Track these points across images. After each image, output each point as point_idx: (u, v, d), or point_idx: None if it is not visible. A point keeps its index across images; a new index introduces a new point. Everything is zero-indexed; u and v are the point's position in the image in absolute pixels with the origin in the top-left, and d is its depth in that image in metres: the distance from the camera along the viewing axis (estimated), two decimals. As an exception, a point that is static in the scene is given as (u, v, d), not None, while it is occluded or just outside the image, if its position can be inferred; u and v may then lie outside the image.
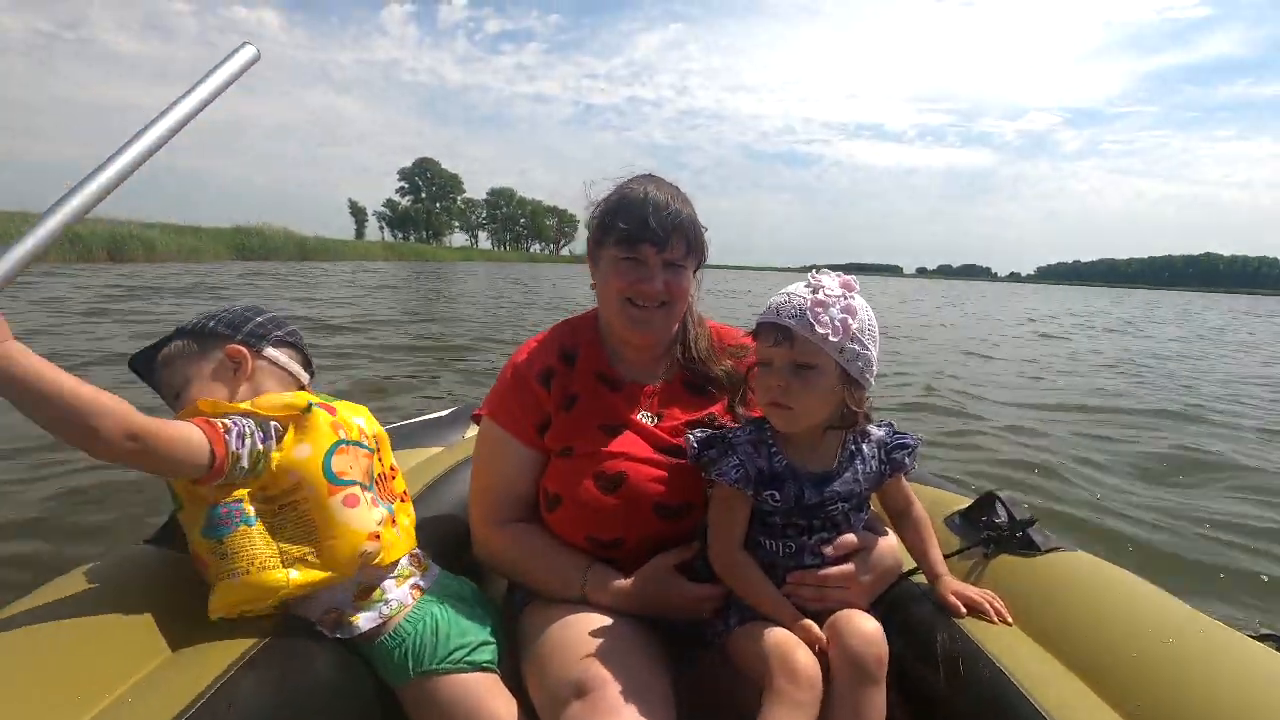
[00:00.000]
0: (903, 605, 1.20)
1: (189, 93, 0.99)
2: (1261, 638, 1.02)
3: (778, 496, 1.10)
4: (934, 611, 1.15)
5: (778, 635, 1.01)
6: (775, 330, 1.06)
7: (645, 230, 1.22)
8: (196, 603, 1.01)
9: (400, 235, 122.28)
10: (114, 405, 0.88)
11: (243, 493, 1.03)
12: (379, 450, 1.23)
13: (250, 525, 1.02)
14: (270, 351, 1.20)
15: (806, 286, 1.07)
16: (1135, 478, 4.31)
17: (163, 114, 0.97)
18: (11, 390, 0.82)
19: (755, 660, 1.01)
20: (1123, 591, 1.14)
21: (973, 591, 1.15)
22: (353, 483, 1.10)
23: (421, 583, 1.20)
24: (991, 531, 1.32)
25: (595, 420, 1.27)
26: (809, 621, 1.04)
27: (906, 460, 1.17)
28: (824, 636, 1.02)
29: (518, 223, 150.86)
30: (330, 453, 1.08)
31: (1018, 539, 1.29)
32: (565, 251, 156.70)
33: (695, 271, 1.31)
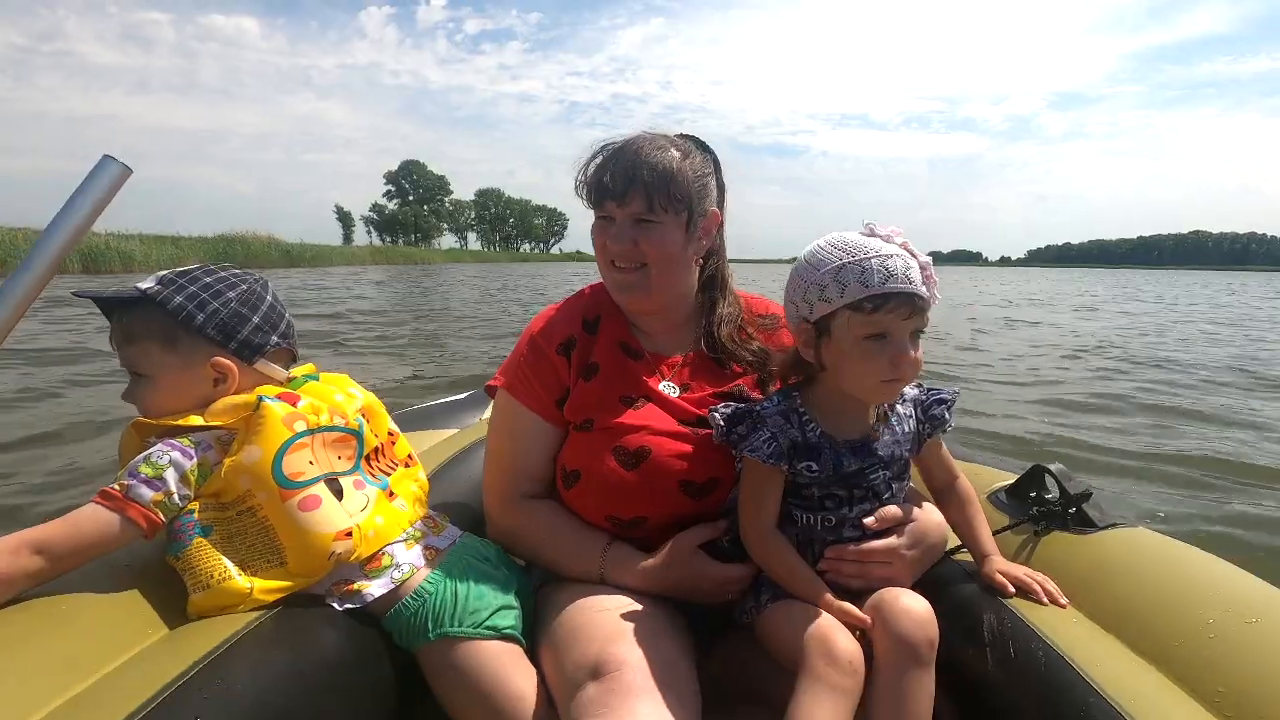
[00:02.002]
0: (946, 585, 1.11)
1: (55, 226, 0.91)
2: None
3: (815, 467, 1.02)
4: (980, 592, 1.06)
5: (814, 616, 0.94)
6: (914, 303, 0.96)
7: (602, 186, 1.17)
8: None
9: (388, 239, 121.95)
10: (9, 551, 0.87)
11: (194, 505, 0.98)
12: (370, 420, 1.16)
13: (205, 537, 0.97)
14: (260, 364, 1.08)
15: (890, 240, 0.98)
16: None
17: (32, 256, 0.91)
18: None
19: (789, 641, 0.93)
20: (1194, 569, 1.02)
21: (1020, 571, 1.05)
22: (310, 482, 1.01)
23: (437, 543, 1.15)
24: (1041, 507, 1.19)
25: (617, 391, 1.20)
26: (849, 605, 0.95)
27: (946, 414, 1.09)
28: (868, 619, 0.93)
29: (507, 222, 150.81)
30: (281, 453, 0.99)
31: (1071, 515, 1.16)
32: (556, 250, 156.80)
33: (690, 227, 1.19)
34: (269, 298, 1.11)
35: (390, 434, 1.22)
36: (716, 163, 1.27)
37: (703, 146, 1.26)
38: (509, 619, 1.11)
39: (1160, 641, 0.91)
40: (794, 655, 0.91)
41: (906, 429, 1.08)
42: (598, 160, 1.20)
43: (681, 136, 1.25)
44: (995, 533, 1.15)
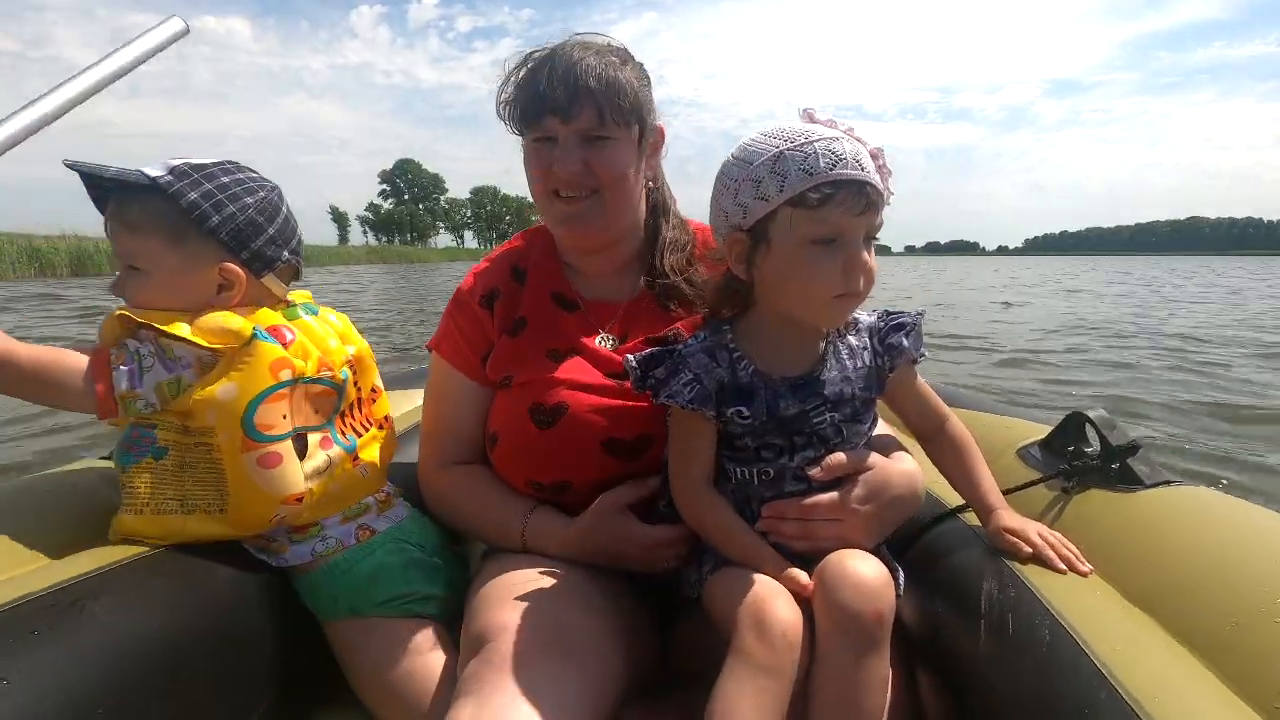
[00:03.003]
0: (944, 552, 0.96)
1: (115, 53, 1.07)
2: None
3: (746, 412, 0.87)
4: (984, 556, 0.90)
5: (750, 581, 0.81)
6: (866, 193, 0.80)
7: (540, 98, 1.01)
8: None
9: (384, 239, 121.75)
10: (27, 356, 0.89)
11: (159, 418, 0.93)
12: (356, 373, 1.09)
13: (158, 459, 0.93)
14: (268, 278, 1.01)
15: (831, 125, 0.83)
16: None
17: (88, 69, 1.03)
18: None
19: (725, 615, 0.81)
20: (1258, 535, 0.83)
21: (1033, 529, 0.89)
22: (279, 438, 0.95)
23: (374, 524, 1.08)
24: (1078, 461, 1.01)
25: (543, 346, 1.10)
26: (794, 570, 0.82)
27: (905, 341, 0.91)
28: (811, 584, 0.80)
29: (503, 220, 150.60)
30: (258, 400, 0.93)
31: (1114, 471, 0.98)
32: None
33: (642, 144, 1.07)
34: (284, 209, 1.04)
35: (374, 390, 1.15)
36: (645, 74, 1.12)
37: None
38: (430, 607, 1.06)
39: (1207, 624, 0.73)
40: (728, 629, 0.79)
41: (860, 363, 0.91)
42: (528, 69, 1.03)
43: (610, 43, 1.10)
44: (1014, 490, 1.00)
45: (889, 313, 0.94)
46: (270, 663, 0.96)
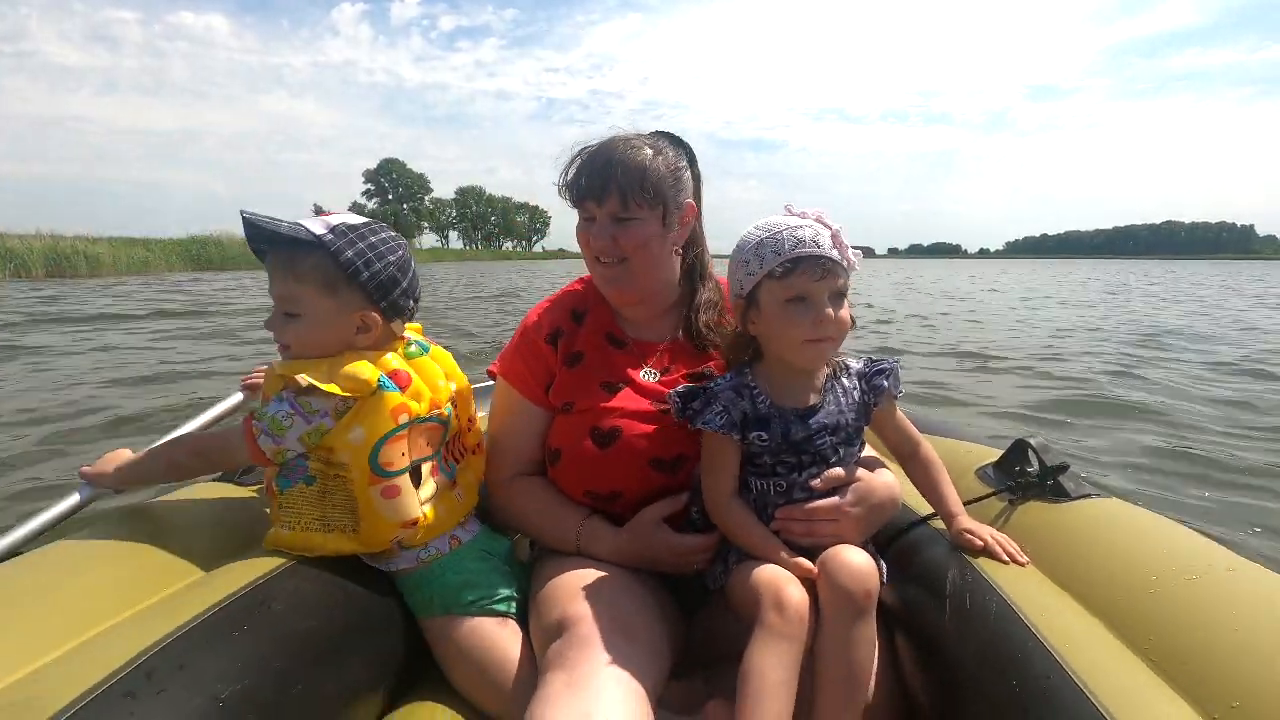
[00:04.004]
0: (917, 549, 1.19)
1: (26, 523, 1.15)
2: None
3: (765, 436, 1.11)
4: (947, 552, 1.14)
5: (769, 571, 1.03)
6: (821, 264, 1.06)
7: (579, 187, 1.26)
8: (259, 529, 1.17)
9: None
10: (187, 448, 1.21)
11: (312, 451, 1.10)
12: (458, 406, 1.26)
13: (309, 485, 1.11)
14: (396, 324, 1.19)
15: (806, 218, 1.10)
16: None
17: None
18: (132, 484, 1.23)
19: (749, 599, 1.02)
20: (1150, 533, 1.10)
21: (986, 531, 1.13)
22: (399, 472, 1.12)
23: (461, 535, 1.25)
24: (1022, 479, 1.27)
25: (598, 378, 1.30)
26: (801, 560, 1.04)
27: (886, 383, 1.16)
28: (815, 569, 1.02)
29: (488, 221, 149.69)
30: (382, 441, 1.09)
31: (1048, 486, 1.24)
32: (539, 247, 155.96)
33: (667, 220, 1.28)
34: (413, 265, 1.20)
35: (470, 419, 1.32)
36: (691, 156, 1.34)
37: (676, 141, 1.33)
38: (507, 605, 1.22)
39: (1105, 597, 0.98)
40: (752, 609, 1.00)
41: (853, 399, 1.16)
42: (576, 164, 1.28)
43: (655, 134, 1.33)
44: (969, 503, 1.23)
45: (873, 360, 1.20)
46: (388, 649, 1.15)
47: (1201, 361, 7.17)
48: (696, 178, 1.35)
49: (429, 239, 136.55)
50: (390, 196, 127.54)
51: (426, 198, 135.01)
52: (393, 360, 1.14)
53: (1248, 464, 3.64)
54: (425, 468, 1.18)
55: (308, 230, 1.09)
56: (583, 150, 1.29)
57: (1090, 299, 17.95)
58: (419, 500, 1.15)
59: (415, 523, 1.14)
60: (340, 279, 1.10)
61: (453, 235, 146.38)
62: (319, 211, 1.20)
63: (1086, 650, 0.87)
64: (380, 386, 1.09)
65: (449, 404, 1.23)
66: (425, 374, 1.19)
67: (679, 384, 1.25)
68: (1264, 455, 3.81)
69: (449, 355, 1.30)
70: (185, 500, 1.28)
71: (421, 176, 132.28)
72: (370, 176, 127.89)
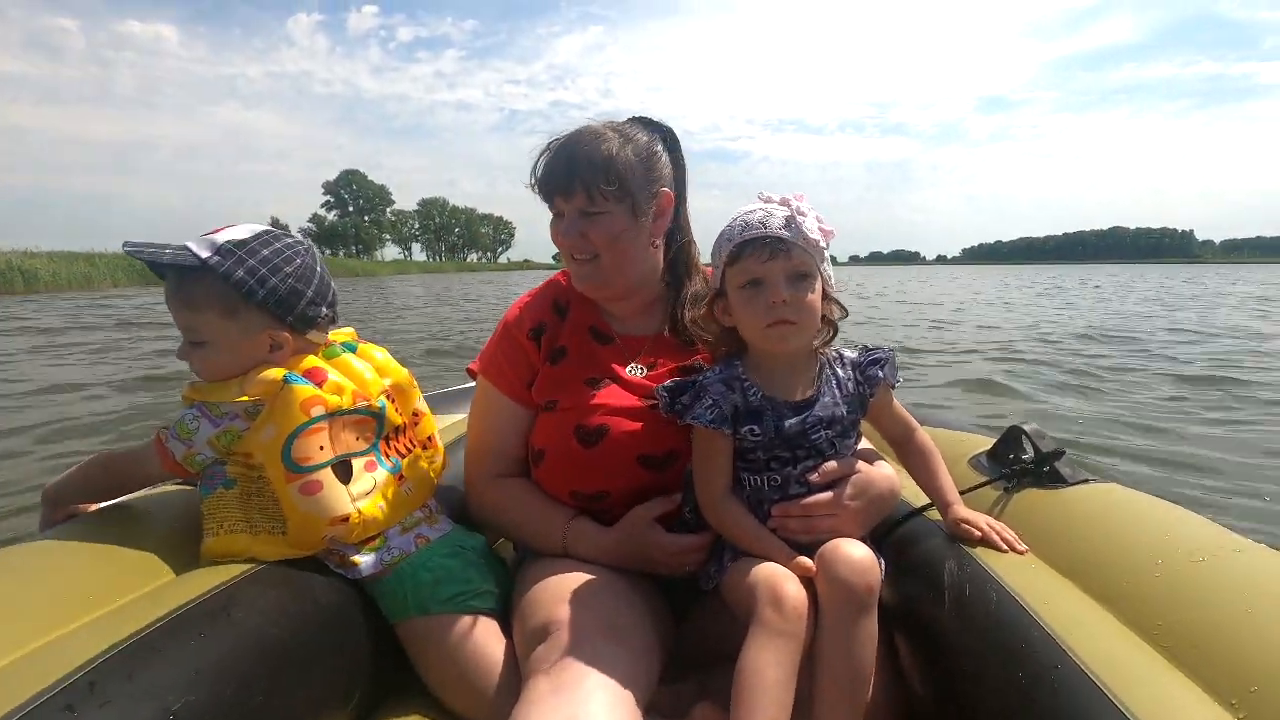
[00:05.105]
0: (914, 541, 1.16)
1: None
2: None
3: (757, 430, 1.06)
4: (945, 543, 1.10)
5: (766, 567, 0.99)
6: (768, 244, 1.03)
7: (546, 182, 1.22)
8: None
9: (329, 251, 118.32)
10: (100, 465, 1.14)
11: (229, 456, 1.07)
12: (397, 399, 1.21)
13: (229, 489, 1.07)
14: (311, 335, 1.14)
15: (771, 203, 1.07)
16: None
17: None
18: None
19: (745, 596, 0.98)
20: (1151, 517, 1.07)
21: (983, 520, 1.10)
22: (317, 467, 1.06)
23: (429, 533, 1.21)
24: (1017, 466, 1.24)
25: (581, 374, 1.25)
26: (800, 557, 1.00)
27: (881, 372, 1.13)
28: (813, 566, 0.98)
29: (452, 232, 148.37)
30: (294, 436, 1.04)
31: (1044, 473, 1.21)
32: (504, 259, 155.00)
33: (639, 213, 1.22)
34: (319, 269, 1.14)
35: (415, 414, 1.26)
36: (672, 141, 1.28)
37: (651, 126, 1.27)
38: (487, 601, 1.17)
39: (1108, 582, 0.95)
40: (749, 607, 0.95)
41: (847, 390, 1.12)
42: (544, 158, 1.23)
43: (630, 120, 1.26)
44: (965, 491, 1.20)
45: (868, 349, 1.15)
46: (357, 658, 1.09)
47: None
48: (678, 164, 1.29)
49: (391, 251, 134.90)
50: (351, 208, 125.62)
51: (388, 209, 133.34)
52: (310, 361, 1.11)
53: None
54: (357, 463, 1.13)
55: (192, 254, 1.03)
56: (551, 143, 1.23)
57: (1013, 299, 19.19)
58: (349, 496, 1.09)
59: (347, 519, 1.09)
60: (237, 301, 1.05)
61: (415, 247, 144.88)
62: (274, 224, 1.15)
63: (1094, 638, 0.84)
64: (287, 381, 1.05)
65: (381, 397, 1.17)
66: (346, 370, 1.15)
67: (663, 377, 1.21)
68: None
69: (383, 351, 1.25)
70: (151, 503, 1.22)
71: (383, 188, 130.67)
72: (330, 188, 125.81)
